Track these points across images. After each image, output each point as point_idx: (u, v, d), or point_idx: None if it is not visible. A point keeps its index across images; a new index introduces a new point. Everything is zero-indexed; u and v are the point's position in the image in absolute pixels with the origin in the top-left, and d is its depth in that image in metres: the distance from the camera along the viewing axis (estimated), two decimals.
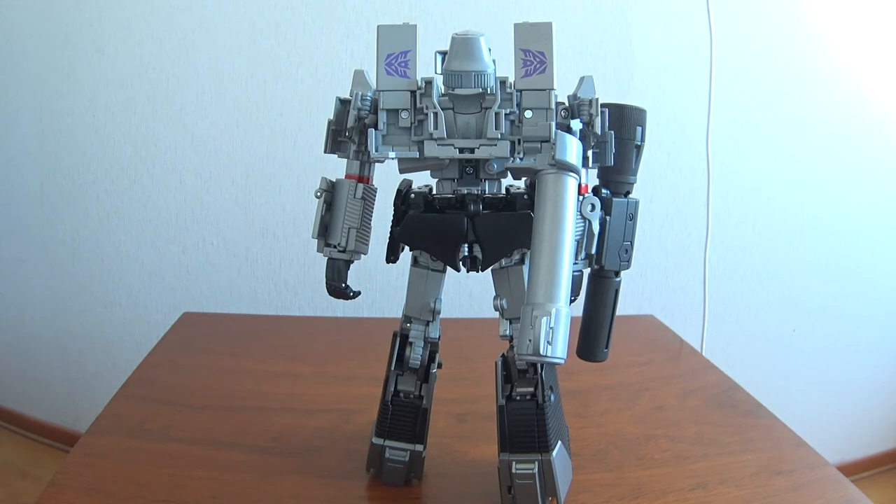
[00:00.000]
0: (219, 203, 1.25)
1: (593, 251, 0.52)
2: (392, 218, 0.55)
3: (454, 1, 1.18)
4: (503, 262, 0.55)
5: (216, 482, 0.60)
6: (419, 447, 0.59)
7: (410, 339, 0.58)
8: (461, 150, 0.51)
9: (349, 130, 0.52)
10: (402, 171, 0.54)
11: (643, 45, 1.23)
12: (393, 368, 0.58)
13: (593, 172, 0.53)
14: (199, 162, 1.24)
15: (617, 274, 0.55)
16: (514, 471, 0.54)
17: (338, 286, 0.54)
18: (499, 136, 0.51)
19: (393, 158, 0.52)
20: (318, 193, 0.54)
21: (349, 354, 0.91)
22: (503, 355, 0.56)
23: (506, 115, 0.50)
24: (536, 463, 0.54)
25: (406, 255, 0.57)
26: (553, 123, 0.50)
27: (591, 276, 0.55)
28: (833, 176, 1.35)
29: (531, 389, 0.54)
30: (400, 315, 0.59)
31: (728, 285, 1.35)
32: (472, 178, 0.54)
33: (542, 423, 0.54)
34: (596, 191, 0.53)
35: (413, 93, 0.51)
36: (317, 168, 0.64)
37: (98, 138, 1.25)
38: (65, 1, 1.21)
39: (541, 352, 0.43)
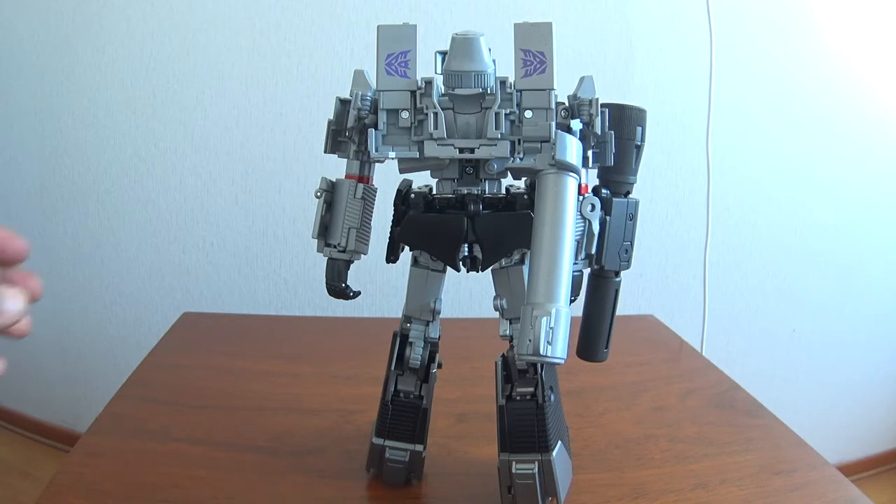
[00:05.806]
0: (219, 203, 1.25)
1: (593, 251, 0.52)
2: (392, 218, 0.55)
3: (454, 1, 1.18)
4: (503, 262, 0.54)
5: (216, 482, 0.60)
6: (419, 447, 0.59)
7: (410, 339, 0.58)
8: (461, 150, 0.51)
9: (349, 130, 0.52)
10: (402, 171, 0.54)
11: (643, 45, 1.23)
12: (393, 368, 0.58)
13: (593, 172, 0.53)
14: (199, 162, 1.24)
15: (617, 274, 0.55)
16: (514, 471, 0.54)
17: (338, 286, 0.54)
18: (499, 136, 0.50)
19: (393, 158, 0.52)
20: (318, 193, 0.54)
21: (349, 354, 0.91)
22: (503, 355, 0.56)
23: (506, 115, 0.50)
24: (536, 463, 0.54)
25: (406, 255, 0.57)
26: (553, 123, 0.50)
27: (591, 276, 0.55)
28: (833, 175, 1.35)
29: (531, 389, 0.54)
30: (400, 315, 0.59)
31: (728, 285, 1.35)
32: (472, 178, 0.53)
33: (542, 423, 0.54)
34: (596, 191, 0.53)
35: (413, 93, 0.51)
36: (317, 168, 0.64)
37: (98, 138, 1.25)
38: (65, 1, 1.21)
39: (541, 352, 0.43)
